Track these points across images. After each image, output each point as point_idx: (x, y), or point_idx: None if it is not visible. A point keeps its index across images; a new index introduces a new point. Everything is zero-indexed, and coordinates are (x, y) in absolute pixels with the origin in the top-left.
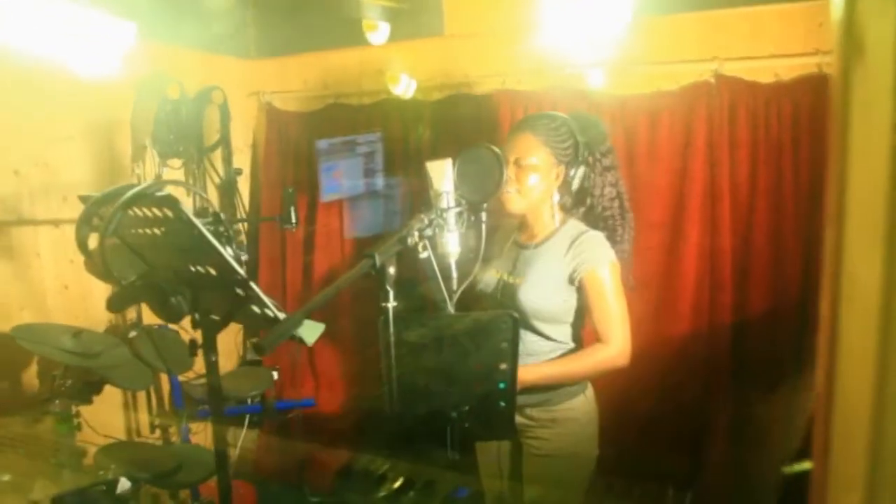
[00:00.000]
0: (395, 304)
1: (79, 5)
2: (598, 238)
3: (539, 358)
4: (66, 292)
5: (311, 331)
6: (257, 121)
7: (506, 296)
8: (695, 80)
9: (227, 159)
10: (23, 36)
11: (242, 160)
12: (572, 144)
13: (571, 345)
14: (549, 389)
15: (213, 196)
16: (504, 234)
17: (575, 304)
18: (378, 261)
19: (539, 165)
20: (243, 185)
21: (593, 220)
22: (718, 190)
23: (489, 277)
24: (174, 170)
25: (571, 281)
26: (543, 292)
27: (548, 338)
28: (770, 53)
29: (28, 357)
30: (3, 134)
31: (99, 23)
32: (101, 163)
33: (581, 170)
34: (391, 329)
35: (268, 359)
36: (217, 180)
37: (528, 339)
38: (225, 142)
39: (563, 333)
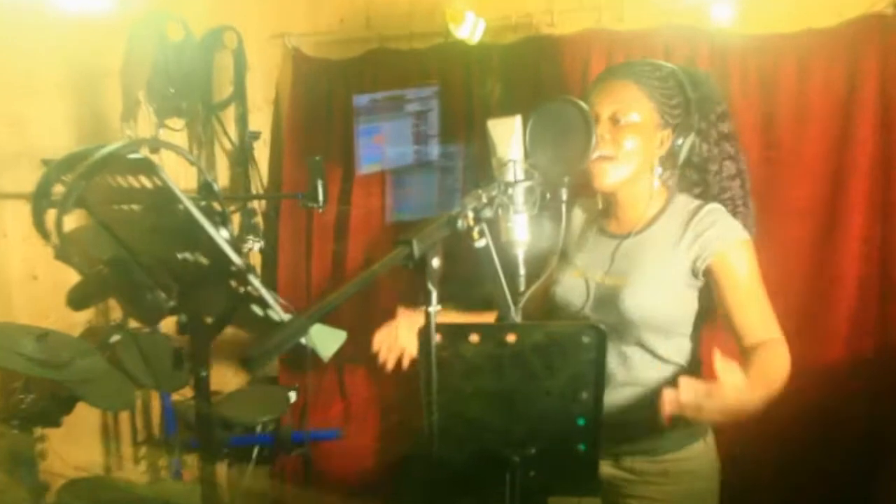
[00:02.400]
0: (439, 308)
1: None
2: (721, 210)
3: (645, 388)
4: (35, 283)
5: (327, 340)
6: (281, 71)
7: (601, 302)
8: (863, 12)
9: (242, 119)
10: None
11: (262, 121)
12: (682, 103)
13: (685, 365)
14: (658, 434)
15: (222, 165)
16: (582, 220)
17: (696, 306)
18: (417, 249)
19: (641, 125)
20: (261, 153)
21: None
22: (894, 163)
23: (570, 278)
24: (174, 131)
25: (695, 273)
26: (657, 294)
27: (659, 357)
28: None
29: None
30: None
31: None
32: (84, 122)
33: (691, 137)
34: (433, 343)
35: (284, 375)
36: (229, 146)
37: (631, 362)
38: (239, 97)
39: (679, 350)
